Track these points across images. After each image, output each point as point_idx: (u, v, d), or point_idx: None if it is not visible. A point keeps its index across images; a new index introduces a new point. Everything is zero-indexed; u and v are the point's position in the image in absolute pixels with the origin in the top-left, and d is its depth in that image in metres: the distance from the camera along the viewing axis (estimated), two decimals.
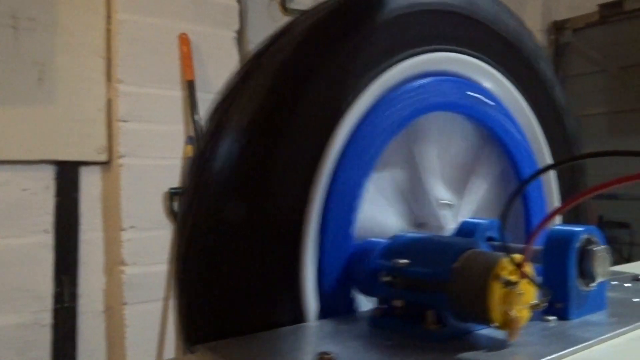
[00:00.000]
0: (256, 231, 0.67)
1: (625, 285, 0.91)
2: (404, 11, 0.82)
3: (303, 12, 0.78)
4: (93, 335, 2.29)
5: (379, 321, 0.70)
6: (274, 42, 0.75)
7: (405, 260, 0.67)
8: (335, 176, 0.75)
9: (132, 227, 2.25)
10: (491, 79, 0.98)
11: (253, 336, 0.67)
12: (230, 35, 2.54)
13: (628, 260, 3.37)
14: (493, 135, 0.99)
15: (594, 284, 0.74)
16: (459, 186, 1.01)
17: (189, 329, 0.69)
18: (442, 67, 0.91)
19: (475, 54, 0.94)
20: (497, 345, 0.63)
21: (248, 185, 0.67)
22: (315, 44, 0.74)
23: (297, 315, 0.72)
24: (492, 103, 0.96)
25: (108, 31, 2.30)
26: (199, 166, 0.70)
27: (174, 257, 0.71)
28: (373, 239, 0.79)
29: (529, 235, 0.58)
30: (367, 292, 0.77)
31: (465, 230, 0.85)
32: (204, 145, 0.71)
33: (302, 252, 0.71)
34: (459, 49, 0.92)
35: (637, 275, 0.95)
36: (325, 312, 0.75)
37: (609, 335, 0.66)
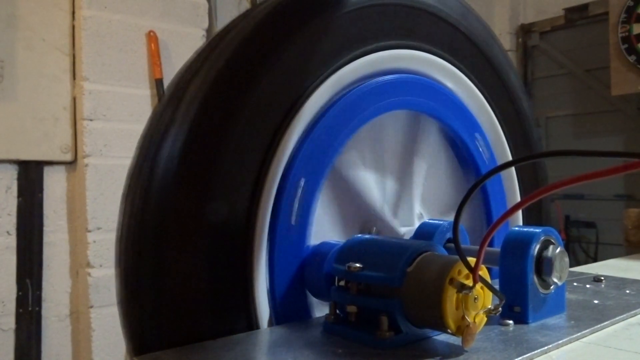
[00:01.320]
0: (201, 233, 0.64)
1: (587, 286, 0.90)
2: (365, 3, 0.80)
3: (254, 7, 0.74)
4: (58, 340, 2.23)
5: (332, 327, 0.67)
6: (226, 32, 0.72)
7: (358, 265, 0.64)
8: (288, 175, 0.72)
9: (98, 228, 2.20)
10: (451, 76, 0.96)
11: (199, 345, 0.64)
12: (199, 33, 2.50)
13: (595, 259, 3.46)
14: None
15: (552, 287, 0.72)
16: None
17: (134, 339, 0.66)
18: (403, 65, 0.89)
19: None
20: (452, 351, 0.61)
21: (191, 183, 0.63)
22: (268, 33, 0.70)
23: (249, 322, 0.69)
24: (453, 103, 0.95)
25: (72, 27, 2.24)
26: (141, 165, 0.66)
27: (116, 261, 0.68)
28: (328, 241, 0.76)
29: (482, 239, 0.56)
30: (322, 297, 0.74)
31: (425, 231, 0.83)
32: (147, 140, 0.66)
33: (253, 255, 0.68)
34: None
35: (599, 276, 0.94)
36: (278, 318, 0.72)
37: (566, 339, 0.65)
